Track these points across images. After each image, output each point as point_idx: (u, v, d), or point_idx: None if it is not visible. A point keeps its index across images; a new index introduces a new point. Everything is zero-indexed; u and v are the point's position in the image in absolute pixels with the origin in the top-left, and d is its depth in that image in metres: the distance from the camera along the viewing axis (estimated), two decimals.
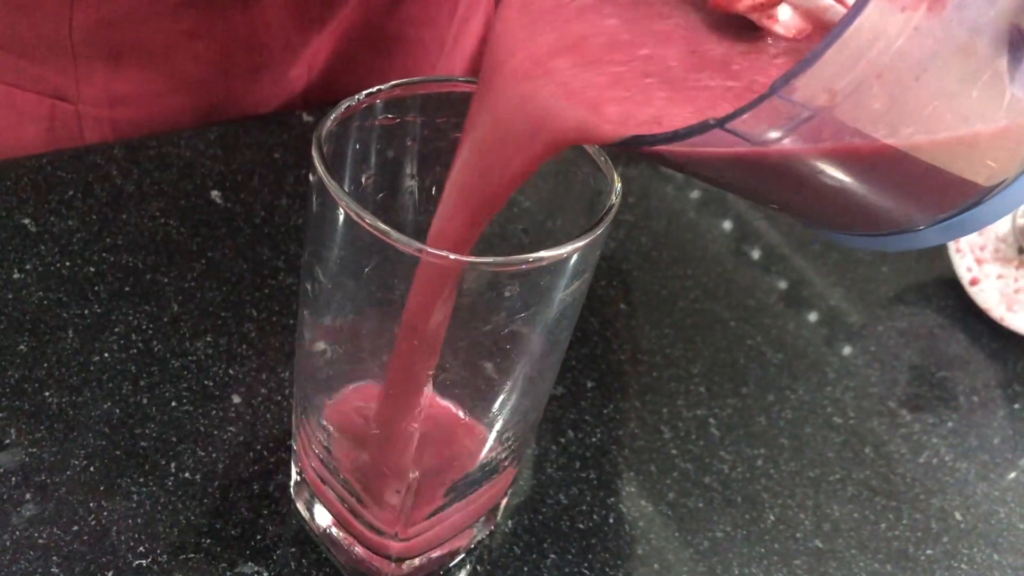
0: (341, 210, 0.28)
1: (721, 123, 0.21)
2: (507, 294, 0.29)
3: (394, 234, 0.27)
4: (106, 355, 0.45)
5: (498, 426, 0.36)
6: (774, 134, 0.22)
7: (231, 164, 0.55)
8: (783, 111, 0.21)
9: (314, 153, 0.28)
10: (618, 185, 0.30)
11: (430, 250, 0.27)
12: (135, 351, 0.45)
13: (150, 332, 0.46)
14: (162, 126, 0.57)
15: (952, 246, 0.60)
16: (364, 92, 0.30)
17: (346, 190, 0.28)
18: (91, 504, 0.39)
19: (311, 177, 0.29)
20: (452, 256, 0.27)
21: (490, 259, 0.27)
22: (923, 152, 0.24)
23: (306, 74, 0.60)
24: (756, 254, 0.61)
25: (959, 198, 0.26)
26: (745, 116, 0.21)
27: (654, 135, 0.23)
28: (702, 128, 0.21)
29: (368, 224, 0.27)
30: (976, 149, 0.25)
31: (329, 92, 0.62)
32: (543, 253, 0.27)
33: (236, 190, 0.54)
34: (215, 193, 0.54)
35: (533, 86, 0.26)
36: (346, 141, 0.31)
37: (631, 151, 0.24)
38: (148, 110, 0.57)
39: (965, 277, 0.59)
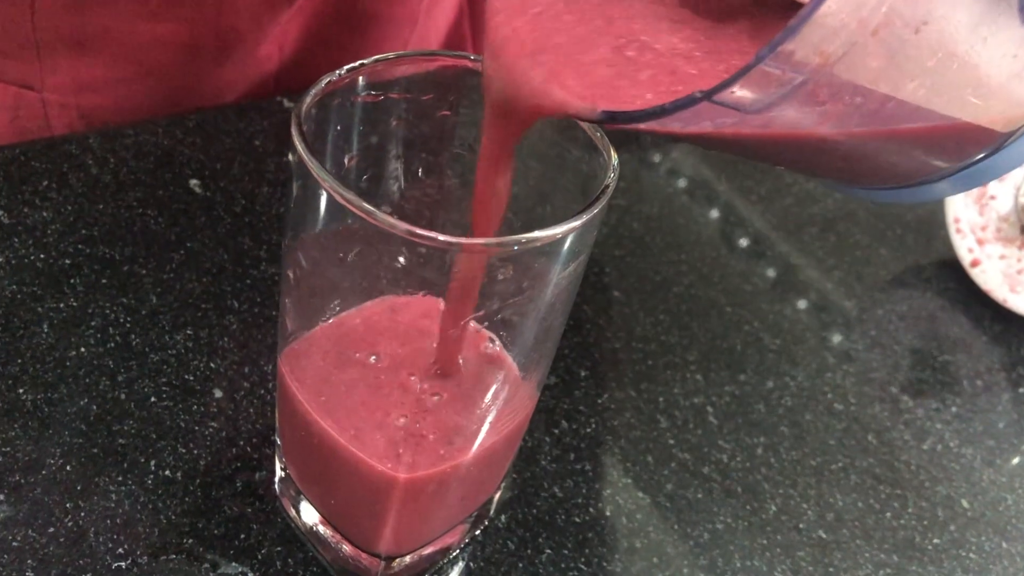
0: (324, 191, 0.26)
1: (708, 95, 0.20)
2: (500, 277, 0.27)
3: (379, 215, 0.25)
4: (82, 350, 0.43)
5: (490, 417, 0.34)
6: (766, 102, 0.21)
7: (210, 152, 0.54)
8: (773, 78, 0.20)
9: (294, 132, 0.27)
10: (615, 161, 0.29)
11: (419, 231, 0.26)
12: (112, 345, 0.43)
13: (128, 325, 0.44)
14: (131, 113, 0.55)
15: (952, 226, 0.59)
16: (345, 67, 0.29)
17: (328, 171, 0.26)
18: (67, 504, 0.37)
19: (291, 157, 0.27)
20: (442, 237, 0.26)
21: (482, 240, 0.26)
22: (933, 104, 0.23)
23: (277, 54, 0.58)
24: (750, 239, 0.60)
25: (977, 146, 0.25)
26: (733, 87, 0.20)
27: (639, 111, 0.22)
28: (689, 102, 0.20)
29: (352, 205, 0.26)
30: (989, 97, 0.24)
31: (302, 73, 0.60)
32: (537, 233, 0.26)
33: (215, 178, 0.52)
34: (194, 182, 0.52)
35: (523, 65, 0.25)
36: (327, 120, 0.29)
37: (622, 127, 0.23)
38: (115, 96, 0.55)
39: (966, 258, 0.58)
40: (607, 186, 0.29)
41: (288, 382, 0.33)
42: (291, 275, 0.31)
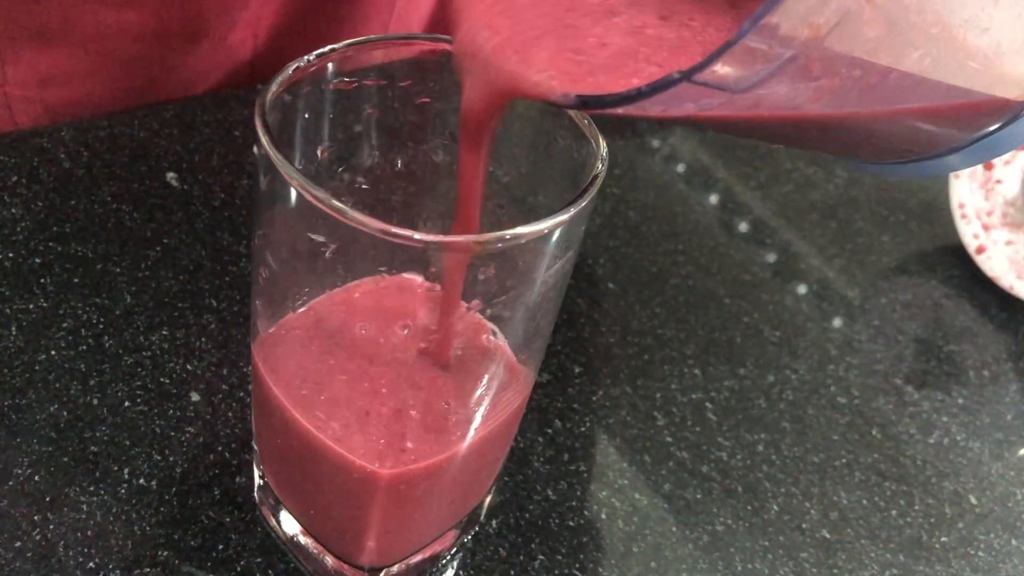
0: (292, 188, 0.24)
1: (687, 75, 0.18)
2: (481, 277, 0.25)
3: (350, 212, 0.24)
4: (53, 353, 0.41)
5: (483, 407, 0.32)
6: (753, 80, 0.19)
7: (187, 144, 0.52)
8: (758, 55, 0.18)
9: (258, 123, 0.25)
10: (604, 151, 0.27)
11: (394, 230, 0.24)
12: (84, 348, 0.42)
13: (101, 326, 0.42)
14: (99, 105, 0.53)
15: (957, 212, 0.57)
16: (315, 53, 0.27)
17: (298, 165, 0.25)
18: (36, 517, 0.36)
19: (256, 151, 0.25)
20: (417, 236, 0.24)
21: (462, 238, 0.24)
22: (940, 74, 0.21)
23: (251, 40, 0.56)
24: (749, 226, 0.58)
25: (990, 117, 0.23)
26: (714, 66, 0.18)
27: (613, 95, 0.20)
28: (666, 83, 0.19)
29: (322, 203, 0.24)
30: (1002, 63, 0.22)
31: (280, 60, 0.58)
32: (521, 229, 0.24)
33: (193, 171, 0.50)
34: (171, 175, 0.50)
35: (491, 45, 0.23)
36: (296, 109, 0.27)
37: (603, 112, 0.21)
38: (81, 90, 0.53)
39: (971, 245, 0.56)
40: (596, 176, 0.27)
41: (262, 373, 0.31)
42: (261, 275, 0.29)
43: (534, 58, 0.22)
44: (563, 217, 0.25)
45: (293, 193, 0.25)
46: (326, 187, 0.24)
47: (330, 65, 0.27)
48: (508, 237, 0.24)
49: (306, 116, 0.28)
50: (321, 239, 0.26)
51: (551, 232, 0.25)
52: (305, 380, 0.31)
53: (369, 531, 0.33)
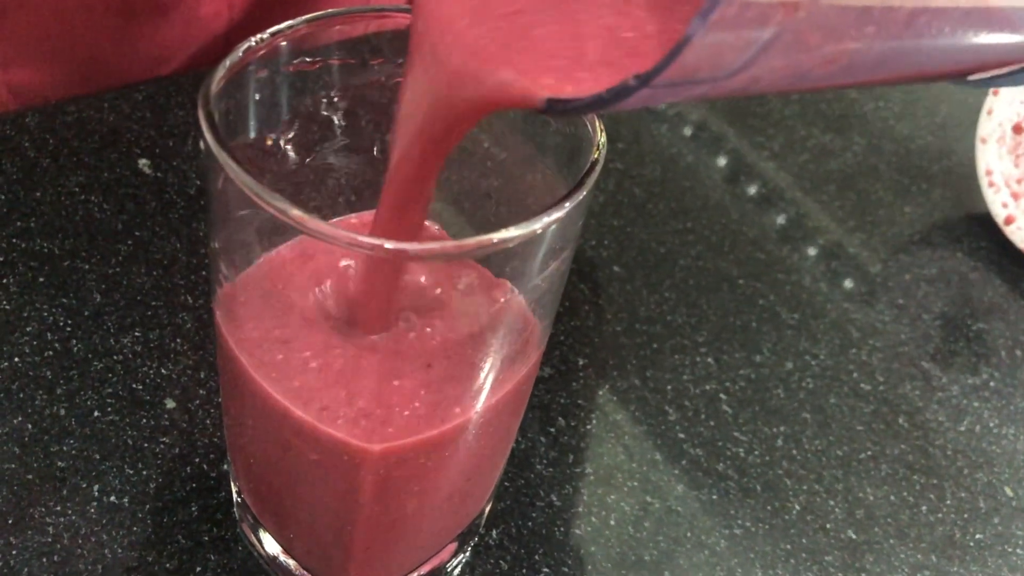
0: (244, 191, 0.21)
1: (644, 82, 0.15)
2: (462, 287, 0.22)
3: (312, 222, 0.20)
4: (16, 359, 0.38)
5: (484, 388, 0.28)
6: (729, 70, 0.16)
7: (161, 128, 0.48)
8: (726, 46, 0.15)
9: (201, 115, 0.22)
10: (601, 138, 0.23)
11: (363, 240, 0.21)
12: (50, 353, 0.39)
13: (68, 329, 0.40)
14: (67, 87, 0.50)
15: (984, 179, 0.53)
16: (268, 31, 0.23)
17: (255, 159, 0.21)
18: None
19: (201, 146, 0.22)
20: (389, 245, 0.21)
21: (436, 244, 0.21)
22: None
23: (226, 12, 0.52)
24: (763, 200, 0.55)
25: None
26: (669, 73, 0.15)
27: (578, 101, 0.18)
28: (623, 91, 0.16)
29: (281, 212, 0.20)
30: None
31: (257, 32, 0.55)
32: (506, 233, 0.21)
33: (167, 157, 0.47)
34: (143, 162, 0.47)
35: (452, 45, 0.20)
36: (248, 95, 0.24)
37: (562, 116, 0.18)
38: (47, 70, 0.50)
39: (1000, 215, 0.53)
40: (594, 164, 0.24)
41: (225, 337, 0.27)
42: (219, 287, 0.26)
43: (497, 57, 0.19)
44: (556, 215, 0.22)
45: (241, 194, 0.21)
46: (290, 180, 0.21)
47: (285, 44, 0.24)
48: (496, 241, 0.21)
49: (261, 103, 0.24)
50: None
51: (544, 232, 0.22)
52: (271, 341, 0.26)
53: (354, 544, 0.30)
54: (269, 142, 0.25)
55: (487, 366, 0.26)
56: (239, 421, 0.30)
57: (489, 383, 0.26)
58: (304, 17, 0.24)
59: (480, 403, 0.26)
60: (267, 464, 0.30)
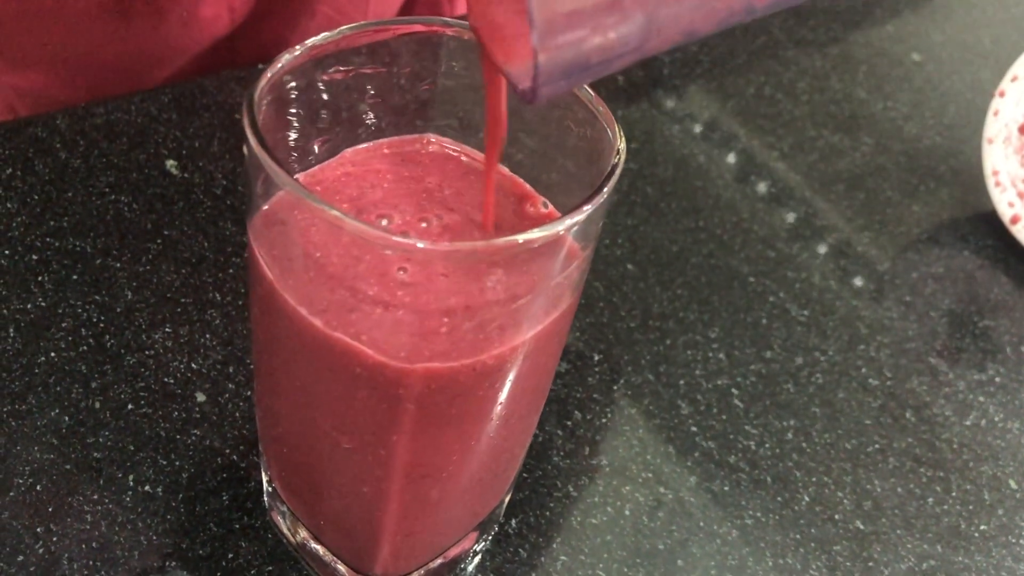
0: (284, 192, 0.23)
1: (533, 94, 0.17)
2: (489, 284, 0.23)
3: (350, 221, 0.22)
4: (52, 355, 0.40)
5: (540, 295, 0.27)
6: (622, 50, 0.18)
7: (187, 129, 0.50)
8: (599, 38, 0.17)
9: (246, 122, 0.23)
10: (621, 144, 0.25)
11: (396, 240, 0.22)
12: (85, 348, 0.40)
13: (101, 325, 0.41)
14: (74, 91, 0.51)
15: (991, 179, 0.54)
16: (309, 42, 0.25)
17: (294, 162, 0.23)
18: (38, 529, 0.34)
19: (244, 150, 0.24)
20: (421, 245, 0.22)
21: (467, 244, 0.22)
22: None
23: (227, 14, 0.53)
24: (773, 199, 0.56)
25: None
26: (561, 81, 0.17)
27: (528, 91, 0.19)
28: (524, 96, 0.19)
29: (319, 213, 0.22)
30: None
31: (262, 36, 0.56)
32: (531, 234, 0.22)
33: (193, 158, 0.49)
34: (171, 163, 0.48)
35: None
36: (287, 102, 0.25)
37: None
38: (53, 74, 0.51)
39: (1006, 214, 0.54)
40: (614, 168, 0.25)
41: (259, 258, 0.26)
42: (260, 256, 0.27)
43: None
44: (578, 217, 0.23)
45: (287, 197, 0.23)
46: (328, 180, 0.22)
47: (323, 54, 0.25)
48: (521, 241, 0.22)
49: (300, 109, 0.26)
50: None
51: (567, 232, 0.24)
52: (308, 259, 0.25)
53: (384, 528, 0.31)
54: (315, 145, 0.26)
55: (534, 295, 0.25)
56: (269, 350, 0.28)
57: (532, 315, 0.25)
58: (339, 29, 0.25)
59: (523, 335, 0.25)
60: (299, 447, 0.31)
